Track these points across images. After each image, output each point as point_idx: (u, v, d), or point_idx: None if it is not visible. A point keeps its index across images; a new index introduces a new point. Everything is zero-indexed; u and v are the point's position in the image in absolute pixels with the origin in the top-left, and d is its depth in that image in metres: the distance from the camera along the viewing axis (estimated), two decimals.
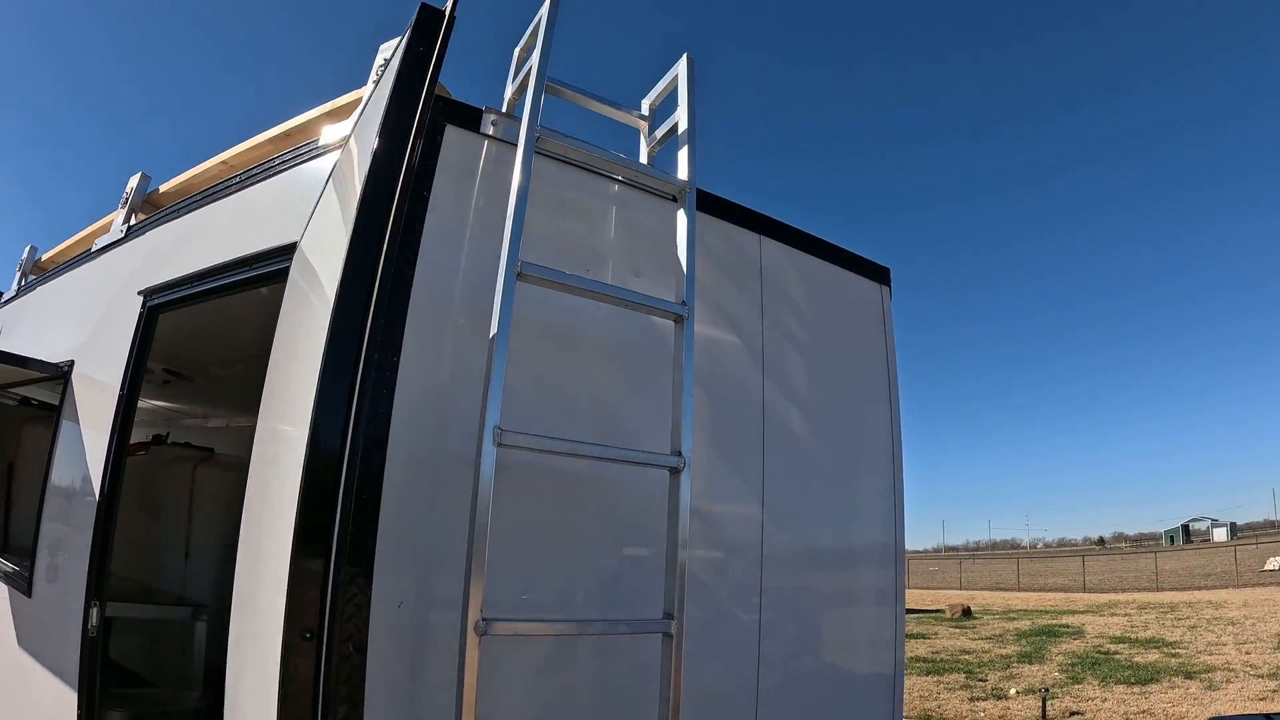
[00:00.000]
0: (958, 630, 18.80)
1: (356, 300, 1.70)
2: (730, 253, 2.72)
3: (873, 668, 2.89)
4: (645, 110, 2.67)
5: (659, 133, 2.60)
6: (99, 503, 2.87)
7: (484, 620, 1.64)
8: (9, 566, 3.60)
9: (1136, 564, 44.06)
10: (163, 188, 3.81)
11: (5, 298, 5.54)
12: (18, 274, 5.43)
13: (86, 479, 3.06)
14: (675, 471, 1.99)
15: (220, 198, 3.06)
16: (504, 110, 2.41)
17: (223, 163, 3.36)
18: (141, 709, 3.65)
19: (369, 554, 1.67)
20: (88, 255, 4.09)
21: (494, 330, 1.82)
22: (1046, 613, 22.61)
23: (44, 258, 5.29)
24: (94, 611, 2.68)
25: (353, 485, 1.63)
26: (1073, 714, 9.11)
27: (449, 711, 1.63)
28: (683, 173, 2.32)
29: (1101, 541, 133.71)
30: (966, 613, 22.72)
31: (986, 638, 17.03)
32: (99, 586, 2.72)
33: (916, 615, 23.14)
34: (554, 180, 2.28)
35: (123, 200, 3.81)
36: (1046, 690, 9.73)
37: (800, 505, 2.72)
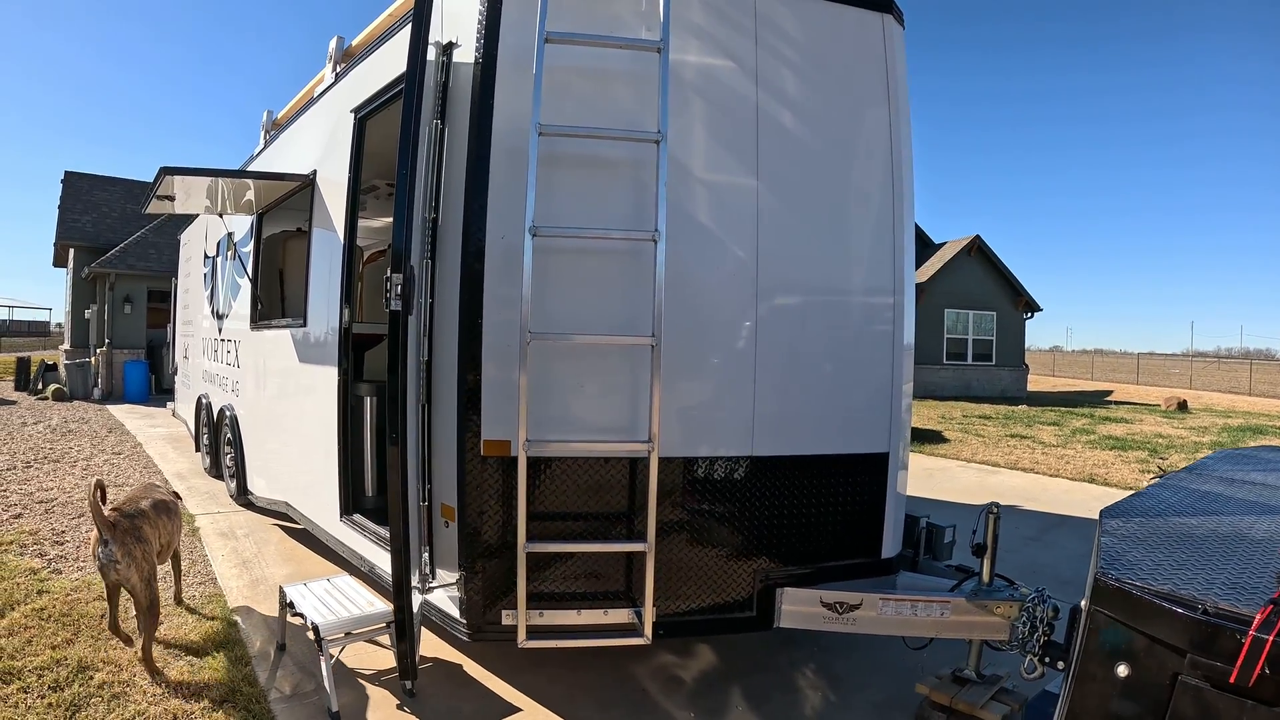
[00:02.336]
0: (1164, 420, 18.33)
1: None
2: None
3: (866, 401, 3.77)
4: None
5: None
6: (342, 277, 4.57)
7: (530, 333, 2.93)
8: (292, 320, 5.66)
9: None
10: (353, 42, 5.18)
11: (254, 153, 7.41)
12: (261, 133, 7.30)
13: (332, 263, 4.78)
14: (653, 241, 3.07)
15: (393, 37, 4.23)
16: None
17: (389, 14, 4.62)
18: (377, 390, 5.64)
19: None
20: (312, 101, 5.67)
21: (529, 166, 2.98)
22: (1269, 416, 20.91)
23: (279, 116, 7.06)
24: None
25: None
26: None
27: None
28: None
29: None
30: (1182, 406, 21.89)
31: (1189, 428, 16.58)
32: (343, 321, 4.60)
33: (1129, 405, 23.16)
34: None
35: (329, 58, 5.27)
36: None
37: (794, 220, 3.52)
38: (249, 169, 7.08)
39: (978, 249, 25.65)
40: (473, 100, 3.30)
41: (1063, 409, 20.92)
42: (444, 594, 3.58)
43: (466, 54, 3.43)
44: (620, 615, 3.38)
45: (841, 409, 3.68)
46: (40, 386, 17.98)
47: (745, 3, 3.48)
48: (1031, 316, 26.98)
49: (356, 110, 4.57)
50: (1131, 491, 3.23)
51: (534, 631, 3.30)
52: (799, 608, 3.45)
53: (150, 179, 6.36)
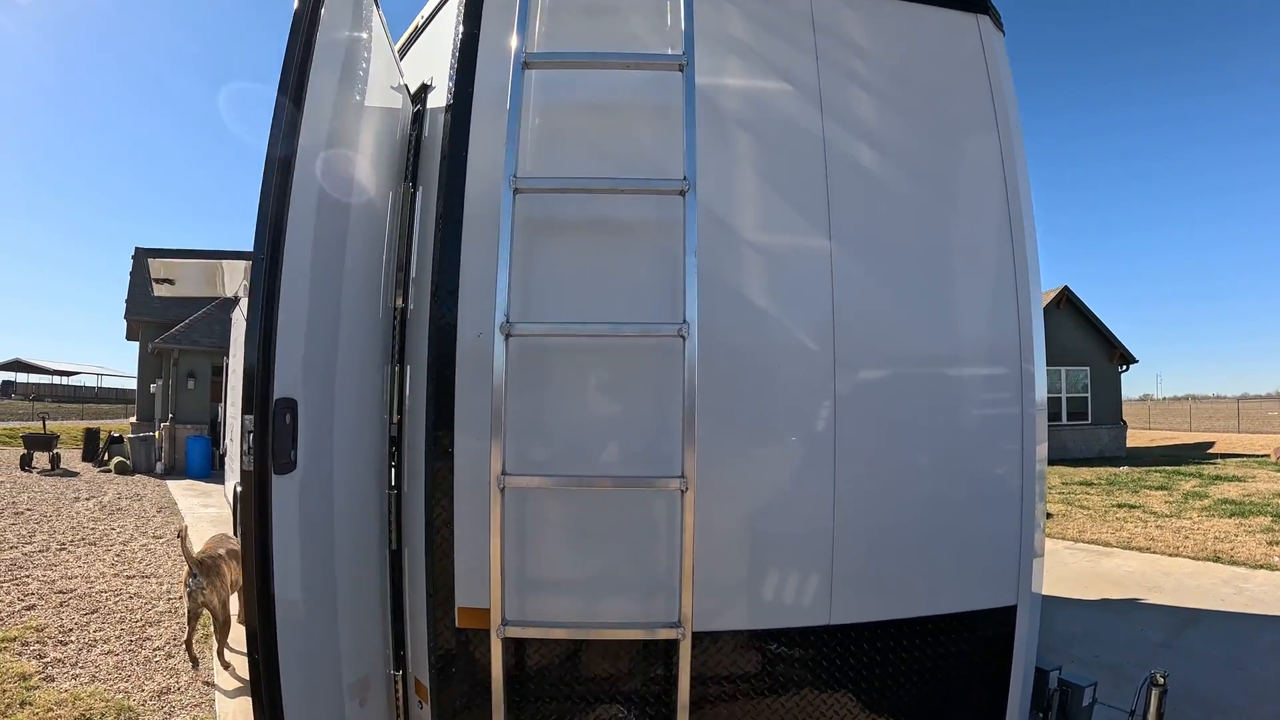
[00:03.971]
0: (1278, 474, 16.36)
1: None
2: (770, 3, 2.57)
3: (986, 521, 2.64)
4: None
5: None
6: None
7: (504, 475, 2.01)
8: None
9: None
10: None
11: None
12: None
13: None
14: (680, 337, 2.10)
15: None
16: None
17: None
18: None
19: None
20: None
21: (500, 237, 2.07)
22: None
23: None
24: None
25: None
26: None
27: None
28: None
29: None
30: None
31: None
32: None
33: (1236, 459, 21.01)
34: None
35: None
36: None
37: (879, 281, 2.49)
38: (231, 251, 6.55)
39: (1067, 301, 23.86)
40: (442, 152, 2.47)
41: (1167, 468, 18.87)
42: None
43: (440, 96, 2.62)
44: None
45: (951, 547, 2.58)
46: (105, 459, 17.99)
47: (798, 8, 2.58)
48: (1127, 369, 24.88)
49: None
50: (1263, 569, 2.10)
51: None
52: None
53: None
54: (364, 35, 2.44)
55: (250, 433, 1.78)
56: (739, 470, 2.32)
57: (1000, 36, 2.96)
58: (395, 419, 2.60)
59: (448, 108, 2.49)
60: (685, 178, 2.09)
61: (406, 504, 2.59)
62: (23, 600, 6.38)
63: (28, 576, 7.19)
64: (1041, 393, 2.70)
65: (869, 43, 2.65)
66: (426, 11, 3.09)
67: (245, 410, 1.81)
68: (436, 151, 2.54)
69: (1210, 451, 24.49)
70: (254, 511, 1.78)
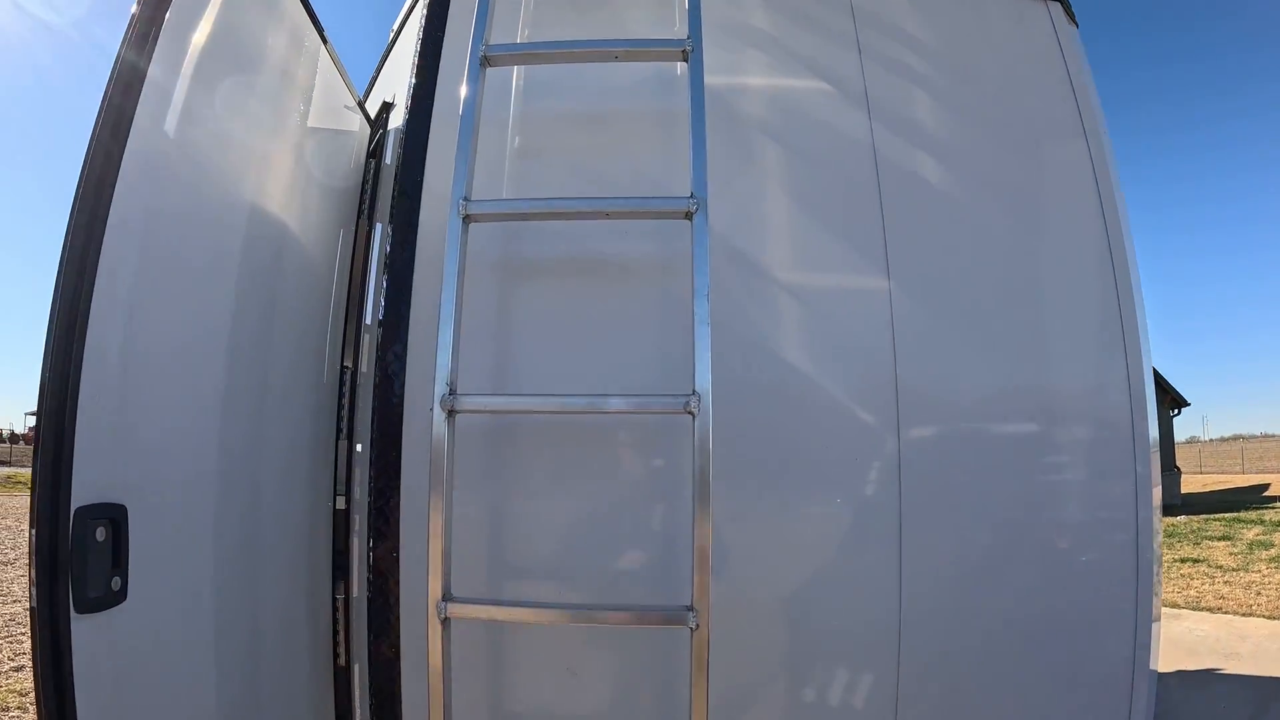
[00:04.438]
0: None
1: None
2: None
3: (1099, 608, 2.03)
4: None
5: None
6: None
7: (445, 601, 1.44)
8: None
9: None
10: None
11: None
12: None
13: None
14: (689, 413, 1.48)
15: None
16: None
17: None
18: None
19: None
20: None
21: (443, 283, 1.51)
22: None
23: None
24: None
25: None
26: None
27: None
28: None
29: None
30: None
31: None
32: None
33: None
34: None
35: None
36: None
37: (951, 328, 1.88)
38: None
39: None
40: (395, 180, 1.96)
41: (1226, 515, 17.69)
42: None
43: (401, 114, 2.14)
44: None
45: (1042, 666, 1.96)
46: None
47: None
48: (1179, 413, 23.70)
49: None
50: None
51: None
52: None
53: None
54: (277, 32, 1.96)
55: (35, 554, 1.20)
56: (770, 589, 1.72)
57: (1075, 30, 2.42)
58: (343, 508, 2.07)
59: (405, 121, 1.99)
60: (693, 195, 1.53)
61: (356, 616, 2.03)
62: (13, 659, 5.73)
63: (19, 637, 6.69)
64: (1156, 466, 2.07)
65: (921, 33, 2.12)
66: (396, 24, 2.64)
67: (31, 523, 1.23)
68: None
69: (1267, 494, 23.19)
70: (46, 668, 1.19)
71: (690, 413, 1.42)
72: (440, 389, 1.46)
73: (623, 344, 1.69)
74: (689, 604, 1.40)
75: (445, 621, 1.45)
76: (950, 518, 1.84)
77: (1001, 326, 1.91)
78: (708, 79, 1.72)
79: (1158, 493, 2.04)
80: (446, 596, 1.46)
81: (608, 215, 1.52)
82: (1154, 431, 2.03)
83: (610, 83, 1.93)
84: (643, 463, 1.66)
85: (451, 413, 1.45)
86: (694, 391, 1.42)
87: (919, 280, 1.83)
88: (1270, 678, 6.10)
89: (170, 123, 1.50)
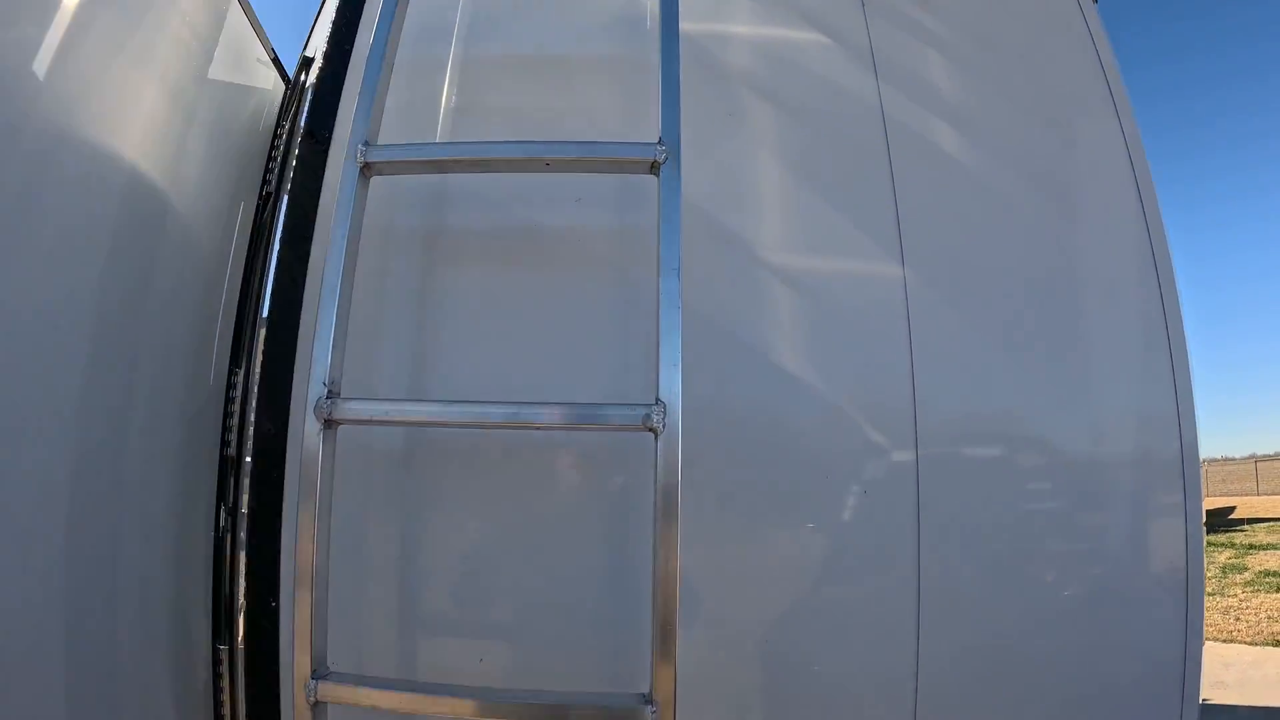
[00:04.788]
0: None
1: None
2: None
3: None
4: None
5: None
6: None
7: (316, 679, 1.04)
8: None
9: None
10: None
11: None
12: None
13: None
14: (650, 430, 1.08)
15: None
16: None
17: None
18: None
19: None
20: None
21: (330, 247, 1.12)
22: None
23: None
24: None
25: None
26: None
27: None
28: None
29: None
30: None
31: None
32: None
33: (1265, 524, 19.62)
34: None
35: None
36: None
37: (976, 324, 1.53)
38: None
39: None
40: (300, 136, 1.58)
41: None
42: None
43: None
44: None
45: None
46: None
47: None
48: None
49: None
50: None
51: None
52: None
53: None
54: None
55: None
56: (754, 667, 1.34)
57: (1095, 6, 2.12)
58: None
59: (320, 65, 1.62)
60: (661, 142, 1.16)
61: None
62: None
63: None
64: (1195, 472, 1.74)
65: None
66: None
67: None
68: None
69: (1233, 517, 23.31)
70: None
71: (652, 429, 1.04)
72: (315, 391, 1.07)
73: (572, 338, 1.31)
74: (646, 693, 1.02)
75: (317, 708, 1.06)
76: (979, 560, 1.49)
77: (1036, 327, 1.56)
78: (684, 26, 1.37)
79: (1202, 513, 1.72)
80: (318, 673, 1.06)
81: (548, 165, 1.14)
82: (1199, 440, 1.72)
83: (571, 24, 1.58)
84: (590, 495, 1.27)
85: (329, 423, 1.07)
86: (658, 400, 1.04)
87: (941, 267, 1.47)
88: (1260, 707, 5.86)
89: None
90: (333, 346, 1.08)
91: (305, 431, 1.07)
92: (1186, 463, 1.67)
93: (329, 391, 1.07)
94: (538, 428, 1.07)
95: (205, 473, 1.66)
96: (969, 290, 1.50)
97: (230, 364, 1.74)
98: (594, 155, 1.14)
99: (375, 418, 1.07)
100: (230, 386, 1.72)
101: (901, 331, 1.37)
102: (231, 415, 1.69)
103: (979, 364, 1.48)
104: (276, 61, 2.04)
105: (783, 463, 1.32)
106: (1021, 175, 1.71)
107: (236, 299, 1.77)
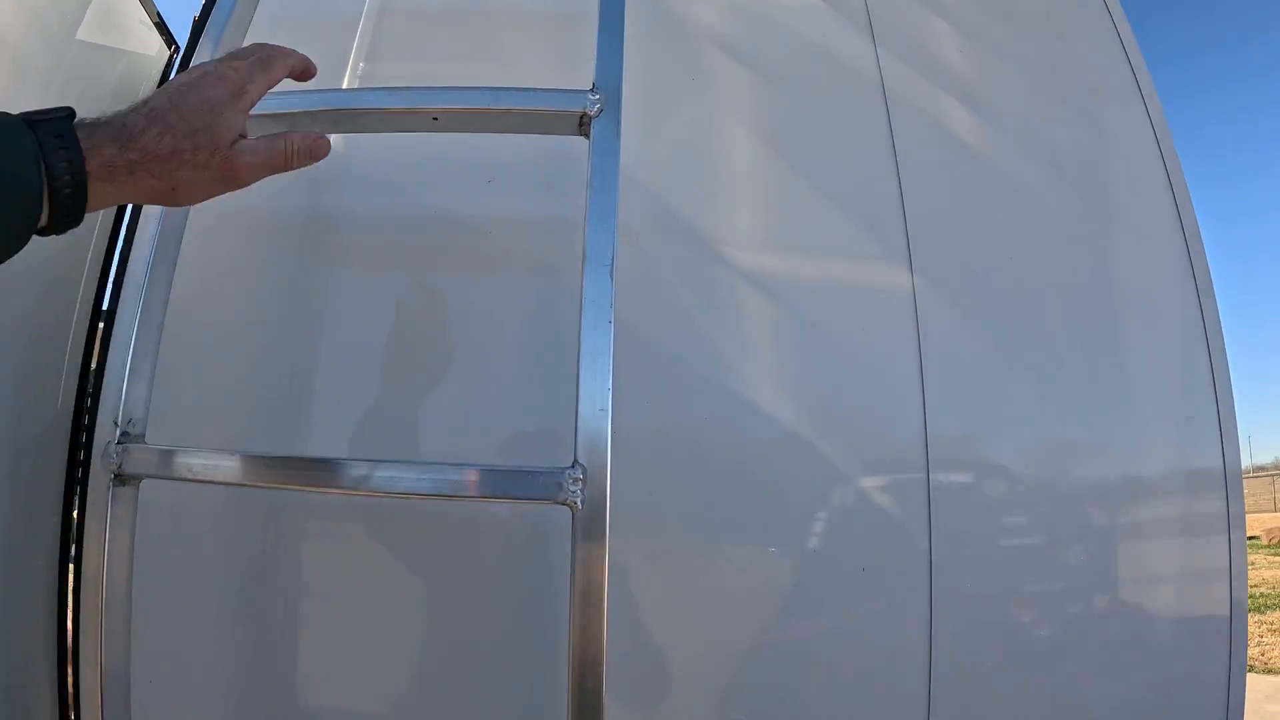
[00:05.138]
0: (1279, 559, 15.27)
1: None
2: None
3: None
4: None
5: None
6: None
7: None
8: None
9: None
10: None
11: None
12: None
13: None
14: (565, 505, 0.76)
15: None
16: None
17: None
18: None
19: None
20: None
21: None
22: None
23: None
24: None
25: None
26: None
27: None
28: None
29: None
30: None
31: None
32: None
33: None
34: None
35: None
36: None
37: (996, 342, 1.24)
38: None
39: None
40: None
41: None
42: None
43: None
44: None
45: None
46: None
47: None
48: None
49: None
50: None
51: None
52: None
53: None
54: None
55: None
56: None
57: None
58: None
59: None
60: (595, 88, 0.85)
61: None
62: None
63: None
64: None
65: None
66: None
67: None
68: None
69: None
70: None
71: (568, 505, 0.72)
72: (105, 434, 0.76)
73: (479, 354, 1.01)
74: None
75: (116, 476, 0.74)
76: (990, 620, 1.20)
77: (1066, 345, 1.28)
78: None
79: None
80: None
81: (436, 120, 0.83)
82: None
83: None
84: (489, 584, 0.96)
85: (120, 477, 0.75)
86: (576, 462, 0.73)
87: (955, 273, 1.18)
88: None
89: None
90: (130, 372, 0.76)
91: (90, 488, 0.76)
92: (1229, 480, 1.41)
93: (122, 434, 0.76)
94: (399, 496, 0.75)
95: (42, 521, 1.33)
96: (988, 303, 1.22)
97: (82, 381, 1.41)
98: (498, 106, 0.83)
99: (184, 473, 0.75)
100: (80, 410, 1.39)
101: (909, 344, 1.08)
102: (79, 446, 1.37)
103: (1002, 390, 1.19)
104: (162, 25, 1.72)
105: (755, 529, 1.01)
106: (1046, 164, 1.44)
107: (90, 305, 1.44)
